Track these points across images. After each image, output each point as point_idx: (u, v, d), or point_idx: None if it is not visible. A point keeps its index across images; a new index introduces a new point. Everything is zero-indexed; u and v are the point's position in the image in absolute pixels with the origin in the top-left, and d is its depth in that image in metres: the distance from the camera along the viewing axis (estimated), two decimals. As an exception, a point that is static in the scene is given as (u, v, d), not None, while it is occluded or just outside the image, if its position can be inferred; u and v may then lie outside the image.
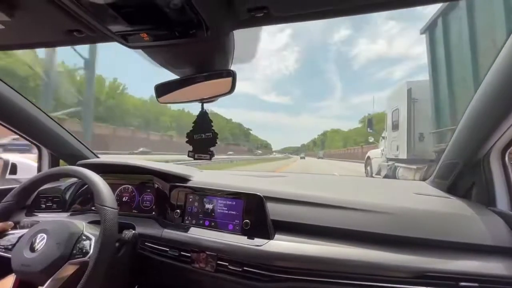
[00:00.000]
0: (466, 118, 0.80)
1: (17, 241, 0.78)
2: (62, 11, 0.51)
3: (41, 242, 0.74)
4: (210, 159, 0.79)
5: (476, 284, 0.62)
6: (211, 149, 0.79)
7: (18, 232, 0.81)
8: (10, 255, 0.75)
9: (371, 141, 7.71)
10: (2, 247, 0.79)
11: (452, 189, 0.92)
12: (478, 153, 0.79)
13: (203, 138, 0.79)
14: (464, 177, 0.87)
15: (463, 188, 0.88)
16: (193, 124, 0.82)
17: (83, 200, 1.17)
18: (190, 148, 0.82)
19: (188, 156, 0.82)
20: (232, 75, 0.70)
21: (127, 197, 1.13)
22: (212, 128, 0.80)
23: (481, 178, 0.80)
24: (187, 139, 0.82)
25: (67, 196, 1.17)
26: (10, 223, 0.85)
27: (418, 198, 0.90)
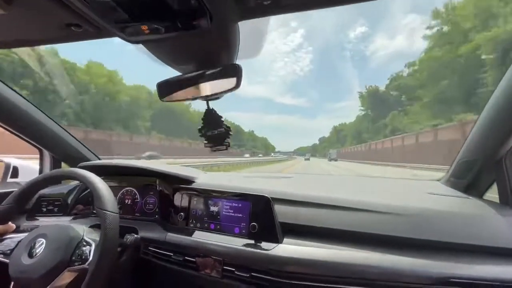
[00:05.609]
0: (486, 114, 0.76)
1: (16, 246, 0.75)
2: (59, 4, 0.48)
3: (39, 247, 0.71)
4: (226, 149, 0.78)
5: None
6: (227, 140, 0.78)
7: (17, 237, 0.79)
8: (7, 260, 0.72)
9: None
10: (0, 252, 0.76)
11: (470, 189, 0.87)
12: (500, 151, 0.74)
13: (216, 133, 0.78)
14: (484, 176, 0.82)
15: (482, 188, 0.84)
16: (202, 121, 0.80)
17: (85, 203, 1.15)
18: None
19: (205, 146, 0.80)
20: (238, 69, 0.66)
21: (129, 200, 1.11)
22: (223, 122, 0.78)
23: (503, 177, 0.75)
24: (200, 134, 0.80)
25: (69, 200, 1.15)
26: (12, 225, 0.83)
27: (434, 198, 0.85)
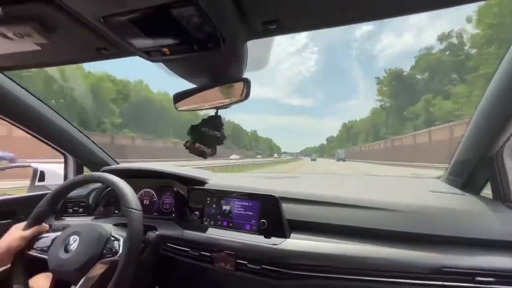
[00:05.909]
0: (479, 114, 0.81)
1: (52, 243, 0.84)
2: (92, 32, 0.56)
3: (74, 243, 0.80)
4: (211, 155, 0.78)
5: (492, 279, 0.63)
6: (214, 149, 0.79)
7: (51, 235, 0.88)
8: (46, 256, 0.81)
9: None
10: (39, 249, 0.86)
11: (466, 186, 0.92)
12: (491, 149, 0.79)
13: (210, 134, 0.79)
14: (478, 174, 0.87)
15: (477, 185, 0.88)
16: (203, 118, 0.81)
17: (106, 204, 1.24)
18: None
19: (185, 145, 0.78)
20: (246, 83, 0.73)
21: (148, 201, 1.19)
22: (222, 130, 0.80)
23: (495, 174, 0.80)
24: (191, 130, 0.79)
25: (90, 201, 1.24)
26: (46, 225, 0.92)
27: (434, 195, 0.90)
